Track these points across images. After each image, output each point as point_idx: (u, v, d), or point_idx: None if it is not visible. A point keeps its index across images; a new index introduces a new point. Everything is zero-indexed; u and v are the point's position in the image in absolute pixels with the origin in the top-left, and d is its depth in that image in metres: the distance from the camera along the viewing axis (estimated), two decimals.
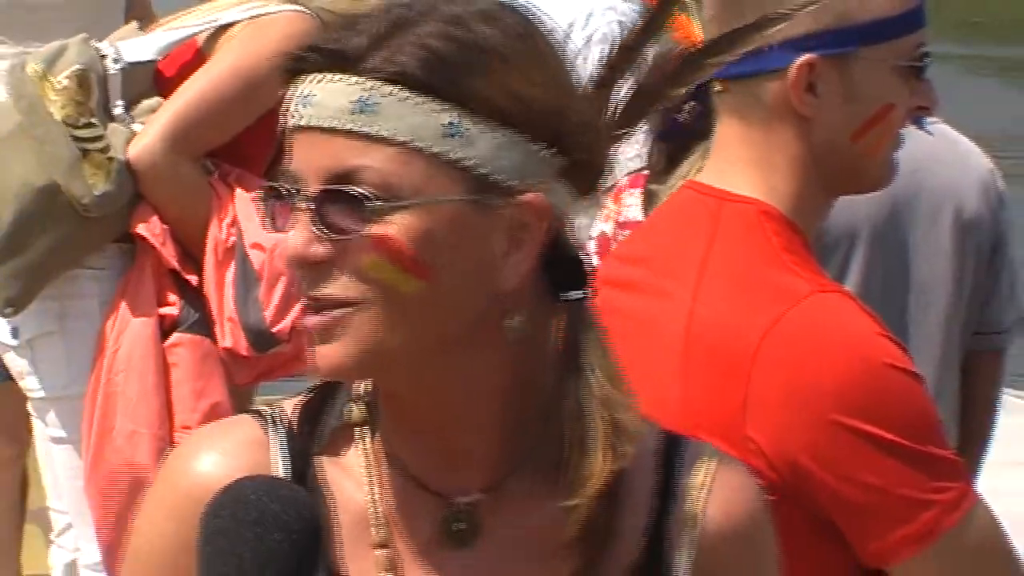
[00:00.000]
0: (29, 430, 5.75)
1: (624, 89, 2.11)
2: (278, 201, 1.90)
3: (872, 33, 2.93)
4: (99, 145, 4.81)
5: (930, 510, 2.79)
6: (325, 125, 1.87)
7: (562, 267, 1.98)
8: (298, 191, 1.89)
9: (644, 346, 2.84)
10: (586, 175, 2.00)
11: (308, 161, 1.90)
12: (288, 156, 1.94)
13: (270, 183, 1.96)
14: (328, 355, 1.89)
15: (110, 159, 4.83)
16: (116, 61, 4.89)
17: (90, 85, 4.83)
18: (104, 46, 4.94)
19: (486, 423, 1.98)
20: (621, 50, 2.11)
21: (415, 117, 1.86)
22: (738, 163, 2.94)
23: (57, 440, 5.31)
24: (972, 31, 40.69)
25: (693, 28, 2.93)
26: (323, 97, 1.88)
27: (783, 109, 2.90)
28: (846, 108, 2.91)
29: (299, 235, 1.87)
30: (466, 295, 1.91)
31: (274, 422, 2.06)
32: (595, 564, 1.96)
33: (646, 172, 4.59)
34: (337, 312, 1.87)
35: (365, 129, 1.85)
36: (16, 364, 5.34)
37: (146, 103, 4.93)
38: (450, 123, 1.87)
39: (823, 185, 2.98)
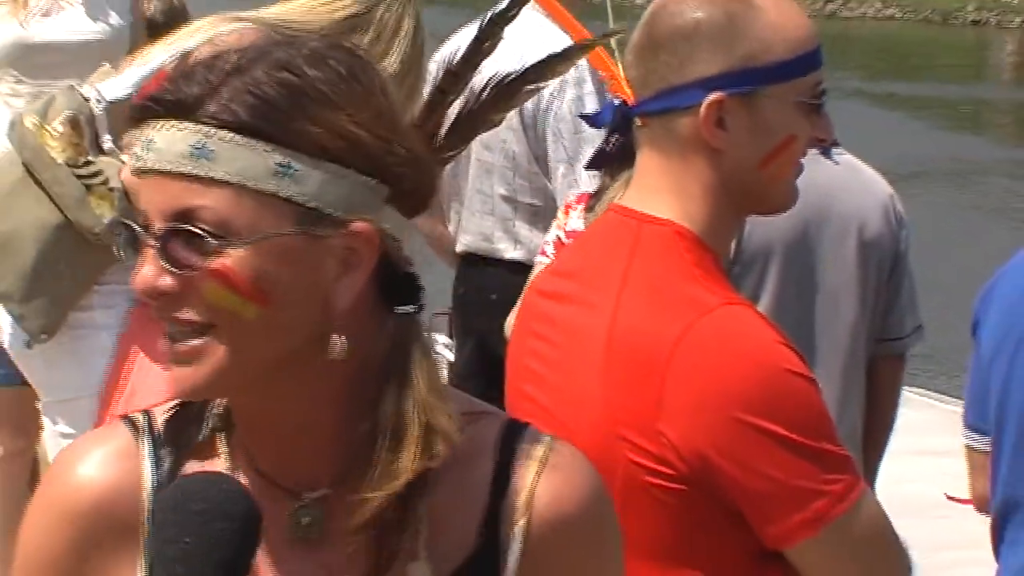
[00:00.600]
0: (38, 426, 5.80)
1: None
2: (131, 236, 1.94)
3: (775, 74, 3.00)
4: (99, 179, 4.93)
5: (821, 499, 2.89)
6: (166, 169, 1.93)
7: (395, 284, 2.06)
8: (146, 228, 1.94)
9: (572, 350, 2.94)
10: (413, 200, 2.09)
11: (152, 202, 1.95)
12: (135, 197, 2.05)
13: (122, 219, 2.01)
14: (183, 378, 1.98)
15: (111, 189, 4.96)
16: (99, 102, 4.96)
17: (82, 127, 4.91)
18: (87, 90, 5.00)
19: (325, 426, 2.05)
20: (448, 75, 2.21)
21: (247, 159, 1.94)
22: (657, 190, 3.03)
23: (67, 436, 5.23)
24: (879, 71, 40.55)
25: (615, 67, 3.12)
26: (163, 143, 1.94)
27: (696, 142, 2.98)
28: (752, 140, 3.00)
29: (149, 268, 1.93)
30: (303, 316, 1.99)
31: (147, 430, 2.13)
32: (391, 554, 2.02)
33: (591, 192, 4.84)
34: (193, 341, 1.94)
35: (201, 172, 1.93)
36: (30, 370, 5.42)
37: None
38: (279, 164, 1.94)
39: (733, 209, 3.08)
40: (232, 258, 1.92)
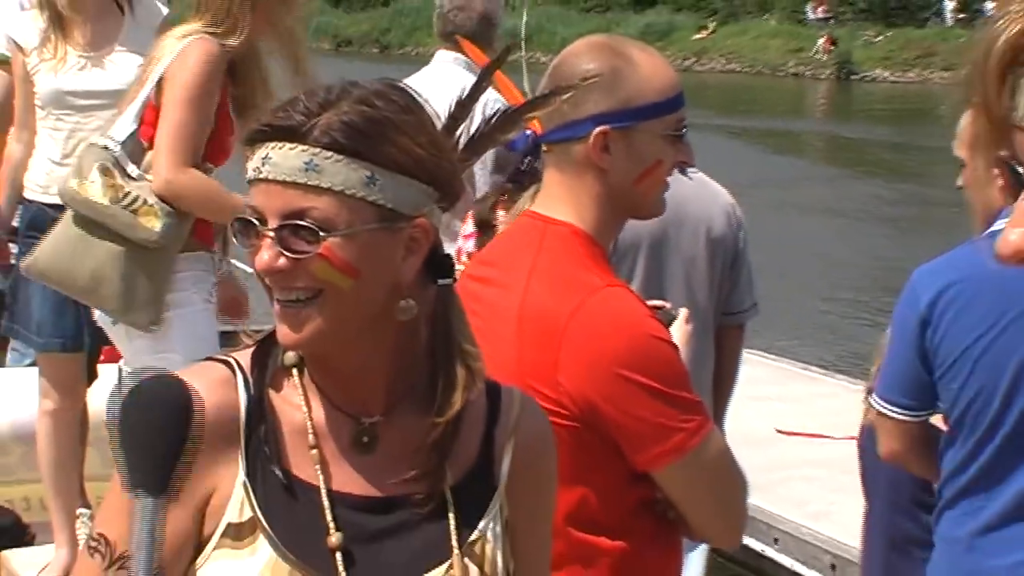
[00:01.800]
0: (85, 385, 5.76)
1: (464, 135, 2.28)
2: (246, 227, 2.05)
3: (646, 113, 2.99)
4: (140, 202, 4.81)
5: (680, 434, 2.90)
6: (282, 179, 2.02)
7: (437, 263, 2.16)
8: (263, 223, 2.04)
9: (493, 321, 2.89)
10: (451, 200, 2.19)
11: (269, 203, 2.04)
12: (251, 197, 2.08)
13: (241, 216, 2.06)
14: (289, 335, 2.07)
15: (151, 206, 4.83)
16: (116, 145, 4.88)
17: (111, 170, 4.82)
18: (104, 140, 4.91)
19: (382, 369, 2.14)
20: (458, 107, 2.29)
21: (345, 173, 2.02)
22: (558, 199, 3.05)
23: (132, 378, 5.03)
24: (726, 110, 40.87)
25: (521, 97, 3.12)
26: (278, 159, 2.02)
27: (587, 163, 3.00)
28: (630, 163, 3.00)
29: (267, 253, 2.02)
30: (381, 287, 2.07)
31: (237, 366, 2.16)
32: (447, 459, 2.13)
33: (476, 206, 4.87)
34: (302, 310, 2.04)
35: (312, 182, 2.01)
36: (116, 339, 5.33)
37: (147, 158, 4.92)
38: (368, 176, 2.03)
39: (615, 214, 3.09)
40: (334, 244, 2.03)
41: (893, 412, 4.03)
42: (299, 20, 5.23)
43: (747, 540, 7.32)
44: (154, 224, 4.86)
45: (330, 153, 2.04)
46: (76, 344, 5.56)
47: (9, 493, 6.21)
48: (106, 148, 4.91)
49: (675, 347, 3.03)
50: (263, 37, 5.09)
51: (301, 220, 2.03)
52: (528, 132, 3.01)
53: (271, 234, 2.04)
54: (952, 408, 3.95)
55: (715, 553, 5.24)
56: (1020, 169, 1.31)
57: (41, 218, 5.54)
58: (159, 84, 4.95)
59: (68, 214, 4.97)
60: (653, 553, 3.09)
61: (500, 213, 3.82)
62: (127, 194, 4.86)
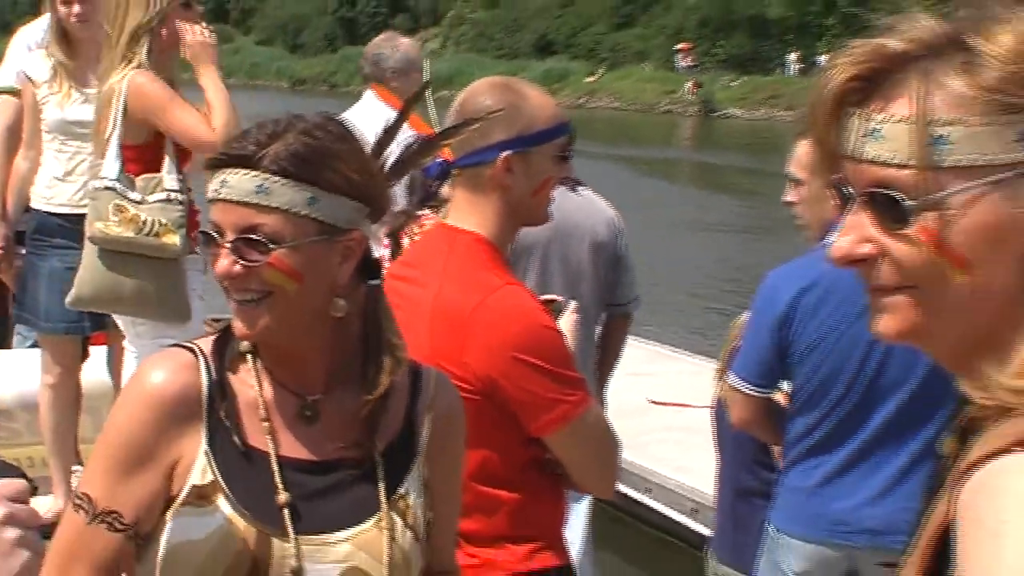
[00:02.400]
0: (80, 362, 5.76)
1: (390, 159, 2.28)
2: (207, 239, 2.06)
3: (540, 138, 2.98)
4: (157, 227, 4.79)
5: (564, 405, 2.90)
6: (237, 199, 2.03)
7: (368, 266, 2.17)
8: (221, 235, 2.05)
9: (412, 312, 2.84)
10: (379, 215, 2.21)
11: (226, 219, 2.05)
12: (212, 213, 2.09)
13: (203, 231, 2.10)
14: (243, 329, 2.08)
15: (165, 224, 4.81)
16: (114, 183, 4.85)
17: (123, 206, 4.78)
18: (105, 182, 4.87)
19: (321, 356, 2.16)
20: (383, 136, 2.28)
21: (291, 195, 2.03)
22: (466, 212, 3.02)
23: (137, 357, 5.12)
24: (611, 141, 41.05)
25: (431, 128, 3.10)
26: (234, 183, 2.03)
27: (493, 183, 2.98)
28: (528, 181, 3.00)
29: (224, 261, 2.04)
30: (321, 288, 2.09)
31: (199, 352, 2.17)
32: (376, 430, 2.15)
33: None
34: (254, 308, 2.07)
35: (263, 203, 2.02)
36: (124, 325, 5.30)
37: (139, 182, 4.88)
38: (310, 197, 2.04)
39: (513, 224, 3.08)
40: (281, 254, 2.04)
41: (747, 388, 4.06)
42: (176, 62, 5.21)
43: (625, 489, 7.35)
44: (173, 240, 4.84)
45: (278, 178, 2.03)
46: (76, 328, 5.55)
47: (16, 453, 6.14)
48: (112, 189, 4.85)
49: (561, 334, 3.02)
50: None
51: (254, 234, 2.03)
52: (440, 160, 3.00)
53: (228, 246, 2.05)
54: (804, 385, 3.99)
55: (599, 501, 5.21)
56: (847, 189, 1.32)
57: (45, 223, 5.54)
58: (125, 120, 4.89)
59: (92, 249, 4.93)
60: (543, 503, 3.08)
61: (415, 229, 3.80)
62: (144, 222, 4.83)
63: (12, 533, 1.64)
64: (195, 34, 5.09)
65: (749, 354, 4.08)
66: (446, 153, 3.00)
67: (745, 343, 4.14)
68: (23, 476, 5.40)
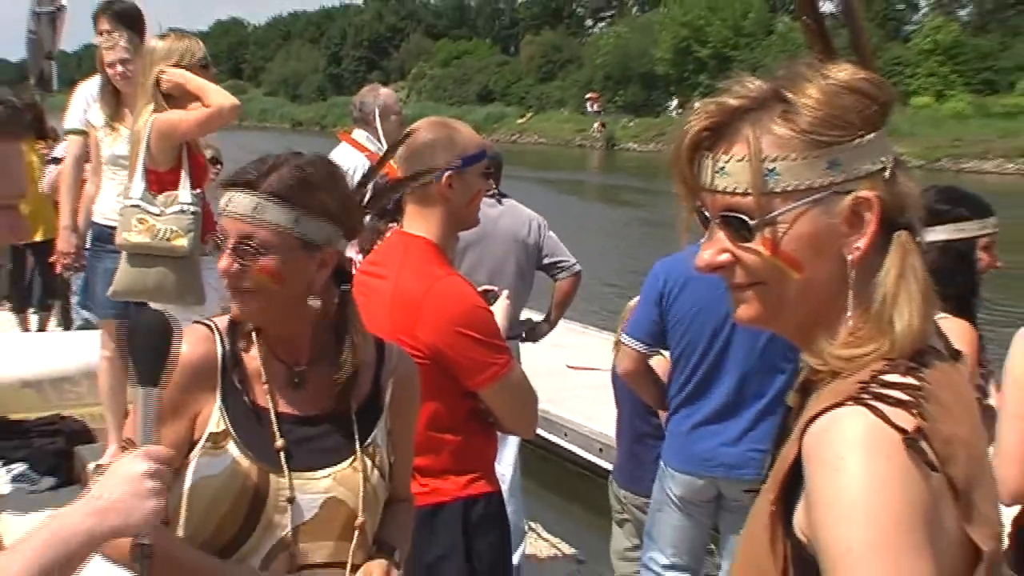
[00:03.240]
0: None
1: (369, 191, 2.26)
2: (216, 244, 2.07)
3: (472, 160, 2.93)
4: (169, 233, 4.77)
5: (494, 367, 2.88)
6: (239, 214, 2.01)
7: (341, 274, 2.13)
8: (225, 241, 2.02)
9: (377, 299, 2.84)
10: (352, 235, 2.16)
11: (229, 229, 2.02)
12: (221, 223, 2.06)
13: (212, 235, 2.16)
14: (238, 312, 2.09)
15: (176, 231, 4.78)
16: (138, 200, 4.84)
17: (144, 218, 4.78)
18: (128, 200, 4.88)
19: (304, 338, 2.12)
20: (364, 178, 2.27)
21: (280, 214, 2.00)
22: (417, 221, 2.99)
23: None
24: (536, 167, 41.12)
25: (396, 170, 3.09)
26: (238, 201, 2.01)
27: (438, 197, 2.95)
28: (464, 194, 2.98)
29: (225, 261, 2.01)
30: (299, 289, 2.05)
31: (215, 328, 2.14)
32: (350, 393, 2.12)
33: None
34: (244, 296, 2.04)
35: (257, 218, 2.00)
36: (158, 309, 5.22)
37: (161, 198, 4.83)
38: (296, 217, 2.00)
39: (452, 229, 3.04)
40: (268, 261, 2.01)
41: (633, 344, 4.06)
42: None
43: (547, 434, 7.36)
44: (182, 242, 4.80)
45: (271, 201, 2.01)
46: (123, 313, 5.46)
47: (81, 412, 6.22)
48: (136, 206, 4.84)
49: (491, 312, 3.00)
50: None
51: (249, 242, 2.01)
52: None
53: (229, 249, 2.02)
54: (676, 351, 4.01)
55: (525, 442, 5.19)
56: (706, 213, 1.34)
57: (101, 233, 5.42)
58: (148, 153, 4.89)
59: (124, 255, 4.91)
60: (479, 443, 3.05)
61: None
62: (159, 231, 4.81)
63: (151, 484, 1.69)
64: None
65: (637, 320, 4.07)
66: (394, 172, 2.99)
67: (635, 313, 4.13)
68: (86, 428, 5.35)
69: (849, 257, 1.32)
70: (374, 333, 2.30)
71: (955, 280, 3.24)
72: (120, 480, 1.69)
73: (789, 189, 1.30)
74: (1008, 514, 2.97)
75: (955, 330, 3.15)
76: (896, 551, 1.16)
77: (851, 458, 1.19)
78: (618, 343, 4.26)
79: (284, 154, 2.11)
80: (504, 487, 3.62)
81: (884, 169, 1.32)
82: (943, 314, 3.14)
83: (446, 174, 2.97)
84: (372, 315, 2.85)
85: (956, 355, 1.40)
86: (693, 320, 3.90)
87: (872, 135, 1.31)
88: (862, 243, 1.31)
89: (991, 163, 49.41)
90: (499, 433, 3.19)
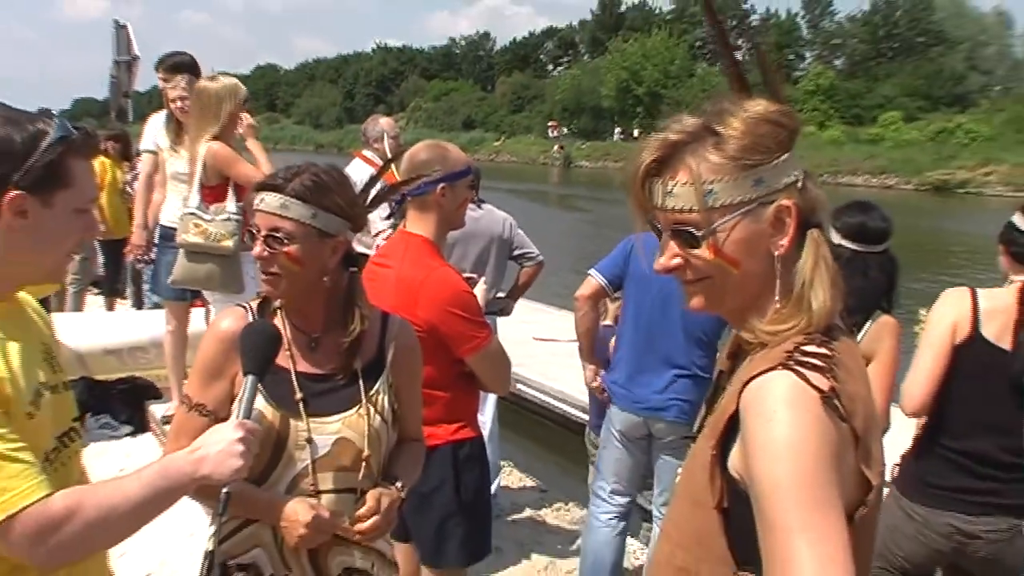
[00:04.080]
0: (187, 319, 5.66)
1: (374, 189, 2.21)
2: (251, 235, 2.03)
3: (461, 175, 2.89)
4: (219, 236, 4.76)
5: (477, 339, 2.87)
6: (268, 211, 2.00)
7: (349, 259, 2.09)
8: (258, 232, 2.01)
9: (384, 284, 2.82)
10: (359, 229, 2.11)
11: (261, 223, 2.01)
12: (252, 218, 2.04)
13: (248, 228, 2.04)
14: (267, 291, 2.06)
15: (224, 234, 4.77)
16: (195, 209, 4.82)
17: (199, 223, 4.75)
18: (187, 209, 4.87)
19: (319, 310, 2.09)
20: (368, 184, 2.20)
21: (301, 210, 1.98)
22: (417, 223, 2.94)
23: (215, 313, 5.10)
24: (514, 181, 41.03)
25: (396, 176, 3.06)
26: (268, 200, 2.00)
27: (434, 203, 2.92)
28: (453, 201, 2.95)
29: (257, 248, 2.00)
30: (316, 271, 2.02)
31: (249, 308, 2.13)
32: (355, 355, 2.10)
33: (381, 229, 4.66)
34: (275, 280, 2.02)
35: (283, 214, 1.99)
36: (208, 296, 5.23)
37: (212, 208, 4.82)
38: (312, 212, 1.99)
39: (444, 229, 3.00)
40: (292, 248, 1.99)
41: (597, 277, 3.96)
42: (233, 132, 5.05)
43: (524, 391, 7.35)
44: (228, 243, 4.78)
45: (294, 200, 1.99)
46: (181, 296, 5.48)
47: (149, 373, 6.25)
48: (193, 213, 4.83)
49: (475, 296, 2.97)
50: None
51: (276, 233, 1.99)
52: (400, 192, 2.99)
53: (261, 239, 2.01)
54: (623, 310, 3.99)
55: (501, 398, 5.18)
56: (658, 226, 1.35)
57: (165, 233, 5.44)
58: (204, 171, 4.85)
59: (182, 252, 4.91)
60: (464, 398, 3.04)
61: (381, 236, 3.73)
62: (211, 234, 4.80)
63: (241, 448, 1.71)
64: (247, 121, 5.08)
65: (605, 263, 3.97)
66: (393, 179, 2.96)
67: (606, 258, 4.02)
68: (153, 386, 5.31)
69: (776, 253, 1.32)
70: (381, 311, 2.27)
71: (892, 285, 3.26)
72: (218, 440, 1.71)
73: (725, 204, 1.30)
74: (898, 450, 3.05)
75: (889, 323, 3.23)
76: (814, 484, 1.17)
77: (781, 411, 1.20)
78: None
79: (304, 163, 2.08)
80: (484, 433, 3.65)
81: (797, 181, 1.32)
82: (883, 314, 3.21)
83: (440, 185, 2.93)
84: (380, 296, 2.83)
85: (851, 330, 1.41)
86: (639, 283, 3.85)
87: (786, 155, 1.31)
88: (785, 241, 1.31)
89: (860, 178, 51.56)
90: (480, 391, 3.17)
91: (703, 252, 1.33)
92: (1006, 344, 2.86)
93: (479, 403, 3.34)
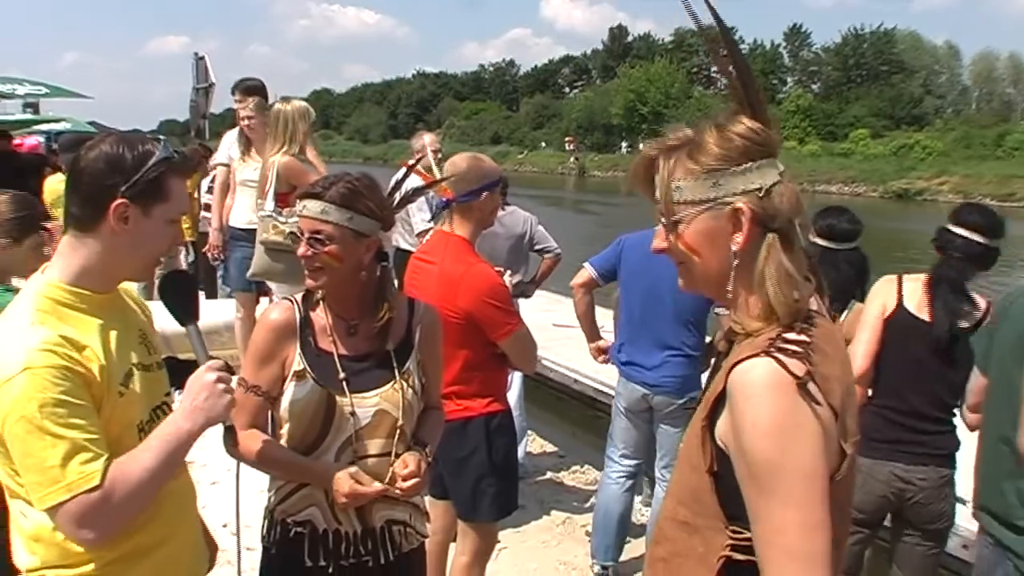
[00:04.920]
0: (255, 307, 5.66)
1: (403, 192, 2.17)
2: (295, 237, 2.03)
3: (496, 183, 2.96)
4: (284, 231, 4.67)
5: (509, 325, 2.83)
6: (311, 215, 1.98)
7: (381, 255, 2.07)
8: (302, 235, 2.01)
9: (427, 277, 2.82)
10: (389, 228, 2.08)
11: (304, 226, 2.00)
12: (298, 223, 2.03)
13: (292, 231, 2.03)
14: (310, 284, 2.04)
15: (293, 232, 4.78)
16: (273, 213, 4.77)
17: (276, 225, 4.71)
18: (265, 213, 4.82)
19: (356, 300, 2.05)
20: (394, 187, 2.17)
21: (339, 214, 1.97)
22: (457, 224, 2.88)
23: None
24: (535, 187, 40.89)
25: (434, 176, 3.03)
26: (310, 206, 1.99)
27: (476, 209, 2.88)
28: (491, 205, 2.91)
29: (302, 248, 2.00)
30: (353, 266, 2.00)
31: (296, 302, 2.11)
32: (387, 338, 2.07)
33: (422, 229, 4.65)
34: (318, 273, 2.00)
35: (323, 218, 1.98)
36: (273, 287, 5.22)
37: (285, 212, 4.75)
38: (349, 216, 1.97)
39: (479, 229, 2.94)
40: (332, 248, 1.98)
41: (590, 271, 3.94)
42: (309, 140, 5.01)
43: (546, 369, 7.33)
44: (290, 240, 4.77)
45: (332, 205, 1.98)
46: (248, 288, 5.49)
47: (223, 353, 6.19)
48: (271, 216, 4.80)
49: (507, 288, 2.94)
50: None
51: (318, 235, 1.99)
52: (444, 198, 2.94)
53: (304, 240, 2.00)
54: (621, 298, 3.94)
55: (526, 376, 5.15)
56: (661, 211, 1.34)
57: (235, 233, 5.49)
58: (278, 180, 4.81)
59: (260, 248, 4.87)
60: (496, 377, 3.01)
61: (425, 236, 3.69)
62: (288, 233, 4.69)
63: (221, 385, 1.66)
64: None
65: (599, 258, 3.97)
66: (448, 193, 2.93)
67: (601, 253, 4.02)
68: (227, 365, 5.37)
69: (733, 248, 1.30)
70: (425, 301, 2.25)
71: (862, 277, 3.33)
72: (199, 388, 1.66)
73: (687, 200, 1.31)
74: None
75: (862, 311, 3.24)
76: (798, 458, 1.19)
77: (763, 394, 1.20)
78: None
79: (340, 173, 2.05)
80: (512, 404, 3.65)
81: (760, 189, 1.29)
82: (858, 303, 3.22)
83: (484, 194, 2.92)
84: (424, 288, 2.83)
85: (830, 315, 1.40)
86: (631, 275, 3.83)
87: (749, 164, 1.29)
88: (740, 239, 1.29)
89: (834, 187, 52.61)
90: (509, 370, 3.16)
91: (676, 239, 1.34)
92: (926, 316, 2.97)
93: (507, 381, 3.32)
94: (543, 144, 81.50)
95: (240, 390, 2.07)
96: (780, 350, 1.23)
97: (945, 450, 3.02)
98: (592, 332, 4.11)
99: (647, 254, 3.90)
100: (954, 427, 3.02)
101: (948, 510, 3.05)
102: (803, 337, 1.25)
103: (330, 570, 2.04)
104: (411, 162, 2.91)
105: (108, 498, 1.52)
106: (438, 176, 3.13)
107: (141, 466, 1.57)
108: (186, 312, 1.79)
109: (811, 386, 1.20)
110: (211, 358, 1.72)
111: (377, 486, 2.01)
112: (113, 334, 1.65)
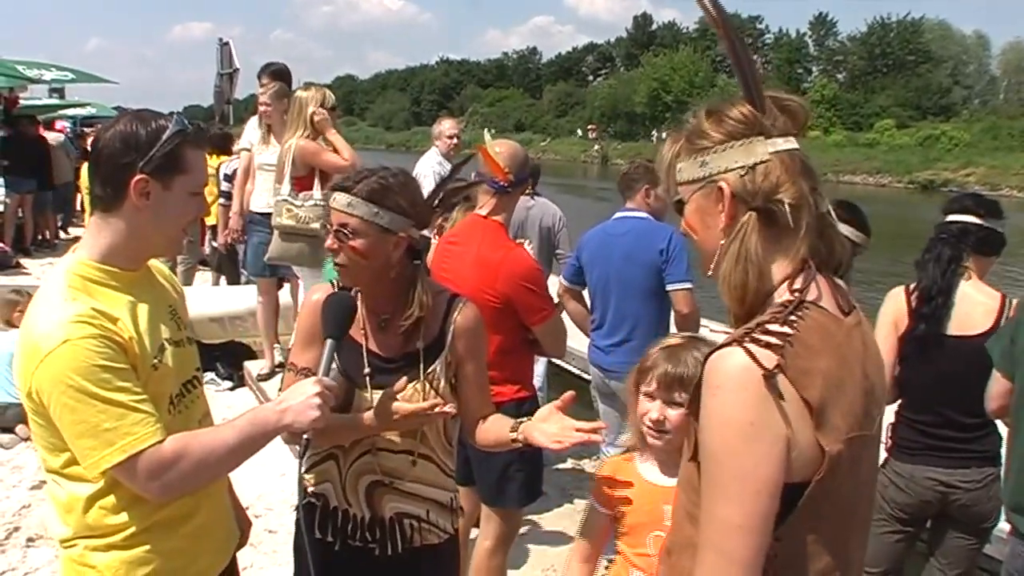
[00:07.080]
0: (277, 293, 5.76)
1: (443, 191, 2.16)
2: (326, 229, 2.00)
3: (532, 175, 3.10)
4: (307, 219, 4.74)
5: (545, 311, 2.87)
6: (339, 208, 1.96)
7: (414, 252, 2.01)
8: (330, 227, 1.97)
9: (459, 261, 2.84)
10: (423, 226, 2.03)
11: (332, 219, 1.97)
12: (329, 215, 2.00)
13: (326, 224, 2.00)
14: (340, 278, 2.03)
15: (311, 217, 4.75)
16: (288, 196, 4.79)
17: (291, 208, 4.73)
18: (280, 196, 4.85)
19: (388, 295, 2.02)
20: (439, 185, 2.18)
21: (366, 209, 1.94)
22: (492, 209, 2.93)
23: (304, 287, 5.20)
24: (560, 176, 40.79)
25: (497, 166, 3.00)
26: (339, 199, 1.96)
27: (515, 196, 2.99)
28: (514, 195, 2.97)
29: (329, 240, 1.98)
30: (379, 262, 1.96)
31: (336, 284, 2.09)
32: (418, 334, 2.03)
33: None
34: (343, 267, 1.99)
35: (351, 211, 1.94)
36: (298, 271, 5.26)
37: (301, 195, 4.78)
38: (376, 211, 1.94)
39: (510, 215, 3.01)
40: (357, 242, 1.95)
41: (564, 282, 4.04)
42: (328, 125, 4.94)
43: (569, 357, 7.29)
44: (315, 225, 4.75)
45: (360, 199, 1.95)
46: (267, 272, 5.54)
47: (246, 339, 6.38)
48: (285, 200, 4.83)
49: (543, 273, 2.99)
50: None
51: (345, 229, 1.96)
52: (501, 182, 2.95)
53: (331, 233, 1.98)
54: (590, 289, 3.98)
55: (550, 362, 5.16)
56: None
57: (254, 217, 5.53)
58: (294, 164, 4.81)
59: (276, 233, 4.91)
60: (525, 363, 3.08)
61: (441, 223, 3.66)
62: (301, 217, 4.79)
63: (318, 401, 1.69)
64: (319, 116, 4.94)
65: (566, 269, 4.07)
66: (506, 177, 2.93)
67: (567, 265, 4.10)
68: (250, 349, 5.30)
69: (719, 227, 1.29)
70: (457, 286, 2.22)
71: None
72: (300, 394, 1.71)
73: (685, 180, 1.33)
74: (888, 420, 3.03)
75: None
76: (736, 455, 1.16)
77: (726, 385, 1.17)
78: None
79: (376, 167, 2.03)
80: (537, 386, 3.72)
81: (743, 167, 1.26)
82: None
83: (529, 181, 2.99)
84: (457, 271, 2.84)
85: (850, 310, 1.30)
86: (591, 270, 3.90)
87: (734, 144, 1.28)
88: (723, 217, 1.28)
89: (859, 177, 52.08)
90: (535, 356, 3.18)
91: (683, 220, 1.36)
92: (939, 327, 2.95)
93: (534, 361, 3.37)
94: (578, 132, 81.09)
95: (290, 374, 2.08)
96: (754, 340, 1.18)
97: (988, 451, 2.95)
98: (588, 331, 4.14)
99: (600, 243, 3.86)
100: (994, 427, 2.94)
101: (995, 510, 2.96)
102: (784, 328, 1.19)
103: (336, 547, 2.05)
104: (469, 154, 2.93)
105: (180, 458, 1.59)
106: (452, 160, 3.12)
107: (222, 439, 1.64)
108: (336, 327, 1.87)
109: (780, 379, 1.15)
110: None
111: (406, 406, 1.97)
112: (143, 309, 1.68)
